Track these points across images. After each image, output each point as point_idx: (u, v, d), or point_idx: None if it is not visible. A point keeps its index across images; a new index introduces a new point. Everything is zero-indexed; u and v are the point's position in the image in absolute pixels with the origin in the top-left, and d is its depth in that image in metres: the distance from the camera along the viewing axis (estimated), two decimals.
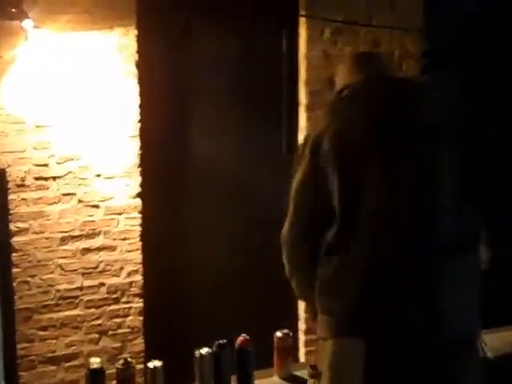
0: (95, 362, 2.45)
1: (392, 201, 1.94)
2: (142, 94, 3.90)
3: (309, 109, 4.24)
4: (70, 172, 3.81)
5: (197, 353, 2.56)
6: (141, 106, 3.90)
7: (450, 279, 1.93)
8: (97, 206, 3.87)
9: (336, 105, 2.17)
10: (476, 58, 4.78)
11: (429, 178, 1.95)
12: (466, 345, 1.99)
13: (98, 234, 3.88)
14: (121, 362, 2.47)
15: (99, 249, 3.89)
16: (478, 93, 4.77)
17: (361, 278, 1.93)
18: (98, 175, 3.86)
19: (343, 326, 1.94)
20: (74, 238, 3.84)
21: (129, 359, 2.50)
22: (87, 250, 3.87)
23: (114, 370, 2.47)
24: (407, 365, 1.93)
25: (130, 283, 3.95)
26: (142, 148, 3.93)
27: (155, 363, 2.51)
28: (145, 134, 3.94)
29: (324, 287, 2.02)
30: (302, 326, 4.29)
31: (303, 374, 2.70)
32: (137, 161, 3.92)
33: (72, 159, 3.81)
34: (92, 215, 3.87)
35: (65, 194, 3.81)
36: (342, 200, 1.94)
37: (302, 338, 4.14)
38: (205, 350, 2.56)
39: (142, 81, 3.90)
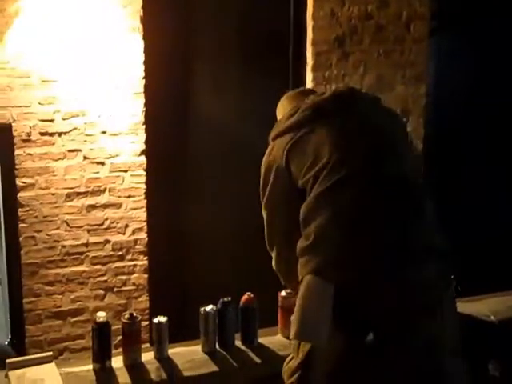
0: (101, 315, 2.48)
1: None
2: (146, 50, 3.87)
3: (315, 69, 4.21)
4: (75, 128, 3.81)
5: (201, 310, 2.59)
6: (145, 63, 3.87)
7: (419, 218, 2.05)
8: (102, 163, 3.88)
9: (288, 120, 2.23)
10: (486, 20, 4.73)
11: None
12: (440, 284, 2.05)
13: (104, 191, 3.89)
14: (126, 316, 2.50)
15: (104, 206, 3.91)
16: (484, 56, 4.74)
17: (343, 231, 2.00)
18: (104, 132, 3.86)
19: (318, 268, 1.99)
20: (79, 194, 3.85)
21: (134, 314, 2.52)
22: (92, 207, 3.89)
23: (119, 326, 2.51)
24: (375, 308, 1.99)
25: (135, 241, 3.97)
26: (146, 105, 3.91)
27: (160, 318, 2.54)
28: (149, 91, 3.92)
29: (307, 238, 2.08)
30: None
31: None
32: (142, 118, 3.90)
33: (77, 115, 3.80)
34: (97, 172, 3.88)
35: (70, 150, 3.82)
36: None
37: None
38: (209, 307, 2.59)
39: (147, 37, 3.87)
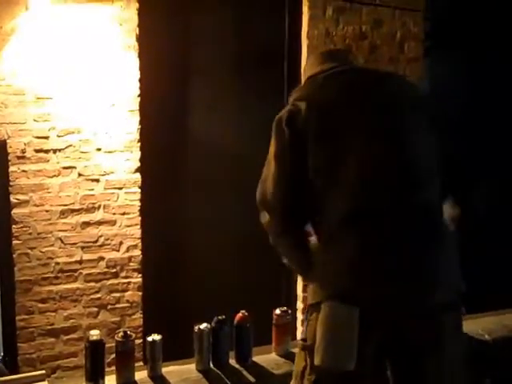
0: (95, 334, 2.46)
1: (376, 156, 2.00)
2: (142, 68, 3.89)
3: None
4: (70, 145, 3.81)
5: (196, 328, 2.58)
6: (140, 80, 3.89)
7: (438, 239, 2.00)
8: (97, 180, 3.88)
9: (309, 85, 2.19)
10: (479, 40, 4.77)
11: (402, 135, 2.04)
12: (455, 307, 2.03)
13: (98, 208, 3.89)
14: (120, 334, 2.48)
15: (99, 223, 3.90)
16: (479, 74, 4.77)
17: (356, 240, 1.96)
18: (99, 149, 3.86)
19: (338, 291, 1.96)
20: (73, 211, 3.85)
21: (128, 332, 2.51)
22: (87, 224, 3.88)
23: (112, 344, 2.49)
24: (400, 332, 1.96)
25: (129, 258, 3.97)
26: (141, 122, 3.92)
27: (154, 337, 2.53)
28: (145, 109, 3.94)
29: (319, 251, 2.05)
30: (299, 304, 4.32)
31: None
32: (137, 135, 3.91)
33: (72, 132, 3.81)
34: (92, 189, 3.88)
35: (65, 167, 3.82)
36: (327, 163, 2.00)
37: (299, 316, 4.17)
38: (203, 326, 2.58)
39: (143, 55, 3.88)
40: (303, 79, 2.29)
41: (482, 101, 4.87)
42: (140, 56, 3.88)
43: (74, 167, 3.83)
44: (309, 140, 2.01)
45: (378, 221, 1.96)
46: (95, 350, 2.43)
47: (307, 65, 2.31)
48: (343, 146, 2.00)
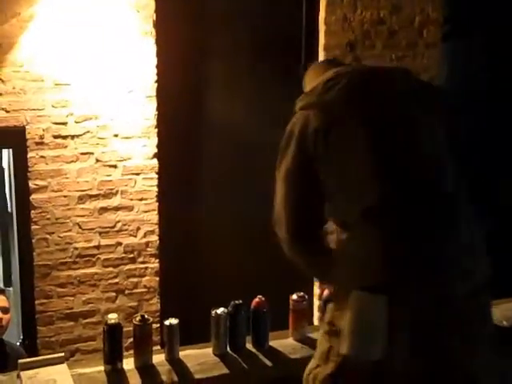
0: (113, 317, 2.49)
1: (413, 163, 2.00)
2: (159, 54, 3.89)
3: None
4: (88, 131, 3.83)
5: (213, 312, 2.59)
6: (158, 66, 3.89)
7: (462, 225, 2.00)
8: (114, 166, 3.90)
9: (315, 91, 2.12)
10: (498, 26, 4.71)
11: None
12: (485, 293, 2.03)
13: (116, 193, 3.91)
14: (138, 318, 2.51)
15: (116, 208, 3.92)
16: (497, 61, 4.72)
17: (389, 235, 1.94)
18: (116, 135, 3.88)
19: (368, 281, 1.94)
20: (91, 196, 3.87)
21: (146, 316, 2.53)
22: (104, 210, 3.91)
23: (130, 328, 2.51)
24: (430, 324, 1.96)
25: (147, 243, 3.99)
26: (158, 108, 3.93)
27: (171, 321, 2.55)
28: (162, 95, 3.94)
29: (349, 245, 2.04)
30: (316, 290, 4.32)
31: (317, 336, 2.74)
32: (154, 121, 3.92)
33: (90, 118, 3.83)
34: (109, 175, 3.90)
35: (83, 153, 3.84)
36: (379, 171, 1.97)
37: (316, 302, 4.17)
38: (221, 310, 2.59)
39: (160, 41, 3.89)
40: (308, 86, 2.26)
41: (500, 86, 4.82)
42: (157, 42, 3.88)
43: (92, 153, 3.86)
44: (321, 146, 2.00)
45: (403, 211, 1.94)
46: (113, 334, 2.46)
47: (307, 77, 2.33)
48: (357, 146, 1.98)
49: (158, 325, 3.60)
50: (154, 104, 3.92)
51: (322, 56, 4.21)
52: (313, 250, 2.16)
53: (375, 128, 1.99)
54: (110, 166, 3.90)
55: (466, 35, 4.68)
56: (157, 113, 3.93)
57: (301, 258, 2.21)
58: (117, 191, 3.91)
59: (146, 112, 3.91)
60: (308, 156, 2.03)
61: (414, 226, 1.94)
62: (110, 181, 3.91)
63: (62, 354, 2.52)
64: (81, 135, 3.83)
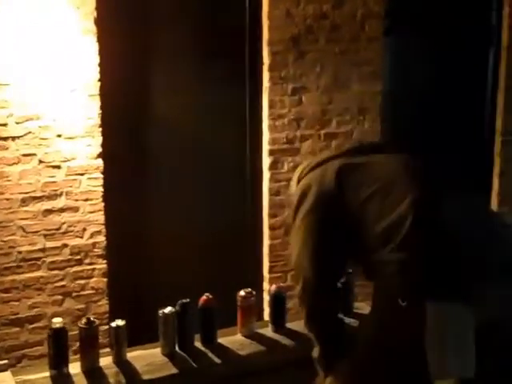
0: (57, 321, 2.45)
1: None
2: (101, 52, 3.82)
3: (272, 68, 4.22)
4: (29, 132, 3.74)
5: (160, 312, 2.58)
6: (100, 65, 3.82)
7: None
8: (58, 167, 3.81)
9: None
10: (439, 18, 4.80)
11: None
12: None
13: (60, 194, 3.83)
14: (83, 320, 2.48)
15: (61, 210, 3.84)
16: (439, 55, 4.81)
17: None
18: (59, 135, 3.80)
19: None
20: (35, 199, 3.78)
21: (92, 318, 2.50)
22: (49, 212, 3.82)
23: (78, 332, 2.48)
24: None
25: (94, 244, 3.92)
26: (102, 107, 3.86)
27: (118, 322, 2.53)
28: (105, 93, 3.87)
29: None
30: (266, 286, 4.33)
31: (266, 331, 2.75)
32: (98, 120, 3.86)
33: (31, 119, 3.74)
34: (53, 176, 3.81)
35: (25, 155, 3.74)
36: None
37: (266, 297, 4.18)
38: (168, 309, 2.57)
39: (101, 38, 3.82)
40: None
41: (442, 79, 4.91)
42: (99, 40, 3.81)
43: (35, 154, 3.76)
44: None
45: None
46: (58, 338, 2.43)
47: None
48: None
49: (107, 326, 3.54)
50: (97, 103, 3.85)
51: (266, 51, 4.22)
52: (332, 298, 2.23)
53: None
54: (54, 167, 3.81)
55: (407, 28, 4.75)
56: (100, 112, 3.86)
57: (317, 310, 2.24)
58: (61, 192, 3.83)
59: (90, 111, 3.84)
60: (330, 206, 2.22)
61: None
62: (54, 182, 3.82)
63: (6, 361, 2.48)
64: (22, 136, 3.73)
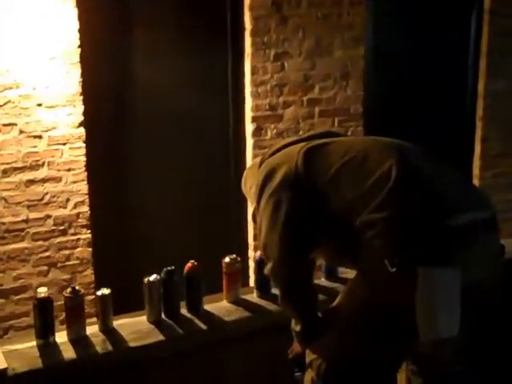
0: (42, 291, 2.44)
1: None
2: (80, 18, 3.75)
3: (254, 34, 4.18)
4: (9, 101, 3.69)
5: (145, 280, 2.57)
6: (80, 31, 3.76)
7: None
8: (39, 137, 3.77)
9: None
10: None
11: None
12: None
13: (42, 165, 3.80)
14: (68, 290, 2.47)
15: (44, 180, 3.81)
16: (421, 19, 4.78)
17: None
18: (40, 104, 3.75)
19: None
20: (16, 169, 3.75)
21: (77, 287, 2.49)
22: (31, 182, 3.79)
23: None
24: None
25: (77, 214, 3.90)
26: (83, 75, 3.81)
27: (103, 291, 2.52)
28: (86, 61, 3.82)
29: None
30: (251, 253, 4.35)
31: (251, 297, 2.77)
32: (79, 89, 3.81)
33: (11, 88, 3.68)
34: (35, 146, 3.78)
35: (5, 125, 3.70)
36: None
37: (251, 264, 4.20)
38: (153, 277, 2.57)
39: (81, 3, 3.75)
40: (248, 187, 2.45)
41: (424, 43, 4.89)
42: (78, 5, 3.74)
43: (15, 124, 3.72)
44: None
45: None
46: (44, 308, 2.42)
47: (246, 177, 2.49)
48: None
49: (94, 296, 3.54)
50: (78, 70, 3.79)
51: (247, 16, 4.17)
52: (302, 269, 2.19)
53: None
54: (35, 137, 3.77)
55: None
56: (81, 80, 3.81)
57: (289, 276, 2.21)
58: (43, 162, 3.80)
59: (70, 79, 3.79)
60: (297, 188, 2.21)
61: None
62: (36, 152, 3.79)
63: None
64: (2, 105, 3.68)
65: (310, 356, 2.23)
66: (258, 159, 2.41)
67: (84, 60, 3.81)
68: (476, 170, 5.05)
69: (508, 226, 2.69)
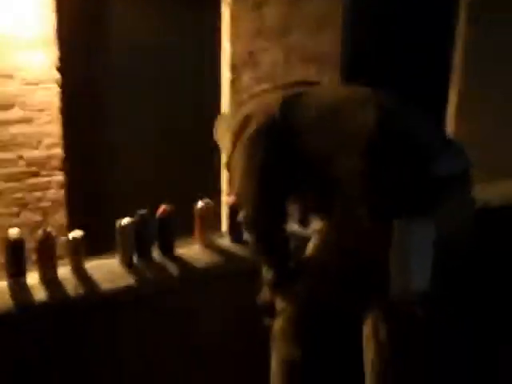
0: (14, 232, 2.43)
1: None
2: None
3: None
4: None
5: (118, 223, 2.57)
6: None
7: None
8: (11, 77, 3.70)
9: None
10: None
11: None
12: None
13: (13, 105, 3.73)
14: (40, 232, 2.46)
15: (15, 121, 3.75)
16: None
17: None
18: (12, 45, 3.66)
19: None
20: None
21: (48, 229, 2.48)
22: (3, 123, 3.73)
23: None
24: None
25: (50, 156, 3.86)
26: (58, 15, 3.72)
27: (75, 233, 2.51)
28: (61, 3, 3.73)
29: None
30: (224, 198, 4.35)
31: (224, 242, 2.79)
32: (53, 29, 3.72)
33: None
34: (7, 86, 3.70)
35: None
36: None
37: (224, 210, 4.20)
38: (125, 220, 2.57)
39: None
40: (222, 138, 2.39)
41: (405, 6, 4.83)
42: None
43: None
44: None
45: None
46: (15, 248, 2.41)
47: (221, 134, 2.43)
48: None
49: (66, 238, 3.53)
50: (52, 10, 3.70)
51: None
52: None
53: None
54: (7, 77, 3.70)
55: None
56: (56, 20, 3.72)
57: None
58: (14, 103, 3.73)
59: (44, 19, 3.70)
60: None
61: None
62: (8, 92, 3.72)
63: None
64: None
65: (280, 304, 2.26)
66: (232, 107, 2.40)
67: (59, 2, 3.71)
68: (451, 121, 5.07)
69: None
